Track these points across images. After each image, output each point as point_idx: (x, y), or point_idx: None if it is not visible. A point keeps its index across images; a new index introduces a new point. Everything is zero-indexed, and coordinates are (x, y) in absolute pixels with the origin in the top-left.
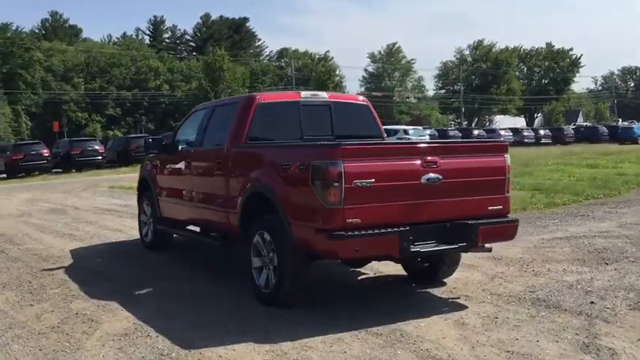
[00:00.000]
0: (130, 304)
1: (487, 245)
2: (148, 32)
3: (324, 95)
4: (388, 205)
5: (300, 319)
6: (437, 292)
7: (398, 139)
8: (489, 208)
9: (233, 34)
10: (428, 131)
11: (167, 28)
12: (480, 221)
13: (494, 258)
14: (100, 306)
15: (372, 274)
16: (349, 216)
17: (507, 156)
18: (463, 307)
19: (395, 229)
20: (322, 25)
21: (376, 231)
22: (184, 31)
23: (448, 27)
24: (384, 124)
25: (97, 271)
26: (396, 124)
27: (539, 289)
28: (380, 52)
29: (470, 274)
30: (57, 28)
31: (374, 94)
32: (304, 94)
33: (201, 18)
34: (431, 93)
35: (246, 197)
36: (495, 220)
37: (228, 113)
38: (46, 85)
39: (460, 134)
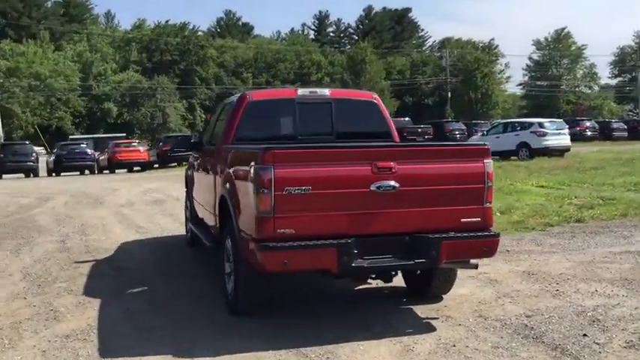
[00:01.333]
0: (109, 302)
1: (473, 261)
2: (313, 27)
3: (324, 92)
4: (329, 215)
5: (240, 331)
6: (421, 309)
7: (496, 135)
8: (463, 220)
9: (395, 26)
10: (588, 123)
11: (331, 22)
12: (442, 235)
13: (529, 273)
14: (81, 303)
15: (374, 285)
16: (281, 226)
17: (488, 161)
18: (429, 330)
19: (332, 242)
20: (488, 12)
21: (309, 243)
22: (348, 24)
23: (627, 8)
24: (546, 115)
25: (121, 267)
26: (559, 115)
27: (539, 314)
28: (546, 39)
29: (480, 290)
30: (230, 26)
31: (539, 83)
32: (302, 91)
33: (363, 10)
34: (604, 81)
35: (217, 200)
36: (465, 234)
37: (228, 111)
38: (219, 79)
39: (625, 126)
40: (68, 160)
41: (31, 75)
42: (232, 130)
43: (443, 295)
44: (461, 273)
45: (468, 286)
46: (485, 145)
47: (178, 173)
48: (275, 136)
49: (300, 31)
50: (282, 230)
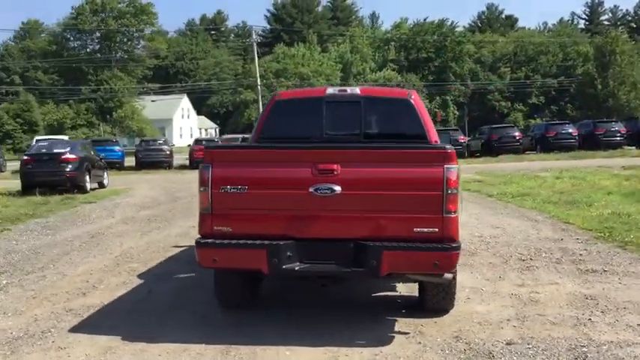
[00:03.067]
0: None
1: (446, 275)
2: (584, 16)
3: (354, 91)
4: (265, 216)
5: (199, 325)
6: (404, 322)
7: None
8: (416, 230)
9: None
10: None
11: (605, 10)
12: (383, 244)
13: (589, 297)
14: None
15: (392, 293)
16: (218, 223)
17: (450, 166)
18: (382, 344)
19: (263, 243)
20: None
21: (239, 242)
22: (626, 10)
23: None
24: None
25: (162, 272)
26: None
27: (524, 344)
28: None
29: (502, 310)
30: (492, 20)
31: None
32: (331, 89)
33: None
34: None
35: None
36: (409, 245)
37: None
38: (475, 75)
39: None
40: None
41: (296, 75)
42: (258, 129)
43: (449, 311)
44: (503, 288)
45: (494, 304)
46: (446, 148)
47: None
48: (299, 136)
49: (569, 21)
50: (219, 228)
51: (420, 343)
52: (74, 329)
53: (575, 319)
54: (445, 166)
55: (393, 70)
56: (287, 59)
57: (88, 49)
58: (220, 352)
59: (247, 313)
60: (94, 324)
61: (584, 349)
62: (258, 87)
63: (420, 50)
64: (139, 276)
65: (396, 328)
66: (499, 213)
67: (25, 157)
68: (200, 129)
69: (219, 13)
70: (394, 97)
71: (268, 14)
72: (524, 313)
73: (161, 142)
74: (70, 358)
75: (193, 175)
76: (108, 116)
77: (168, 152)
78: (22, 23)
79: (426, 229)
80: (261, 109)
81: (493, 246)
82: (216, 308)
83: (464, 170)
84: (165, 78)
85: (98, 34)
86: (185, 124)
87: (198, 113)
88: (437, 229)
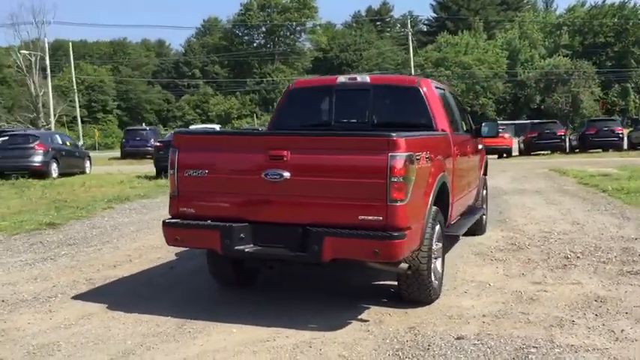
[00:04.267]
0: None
1: (402, 265)
2: None
3: (364, 78)
4: (222, 199)
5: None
6: (375, 311)
7: None
8: (361, 217)
9: None
10: None
11: None
12: (324, 230)
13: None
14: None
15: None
16: (182, 205)
17: (396, 154)
18: (331, 329)
19: (217, 224)
20: None
21: (198, 223)
22: None
23: None
24: None
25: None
26: None
27: (476, 340)
28: None
29: (487, 305)
30: None
31: None
32: (342, 78)
33: None
34: None
35: None
36: (351, 231)
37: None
38: None
39: None
40: None
41: (456, 64)
42: (274, 118)
43: (431, 303)
44: (514, 285)
45: (486, 299)
46: (391, 136)
47: (542, 161)
48: (310, 124)
49: None
50: (184, 209)
51: (368, 331)
52: (76, 297)
53: (557, 320)
54: (390, 154)
55: (565, 56)
56: (449, 48)
57: (254, 44)
58: (176, 325)
59: (237, 293)
60: (98, 293)
61: (532, 350)
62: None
63: (597, 35)
64: (177, 254)
65: (361, 316)
66: (595, 209)
67: (157, 144)
68: None
69: (384, 4)
70: (402, 85)
71: (434, 3)
72: (509, 310)
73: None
74: (51, 320)
75: None
76: (270, 107)
77: None
78: (203, 21)
79: (370, 217)
80: None
81: (550, 242)
82: (218, 287)
83: (601, 164)
84: (330, 69)
85: (264, 29)
86: None
87: None
88: (381, 218)
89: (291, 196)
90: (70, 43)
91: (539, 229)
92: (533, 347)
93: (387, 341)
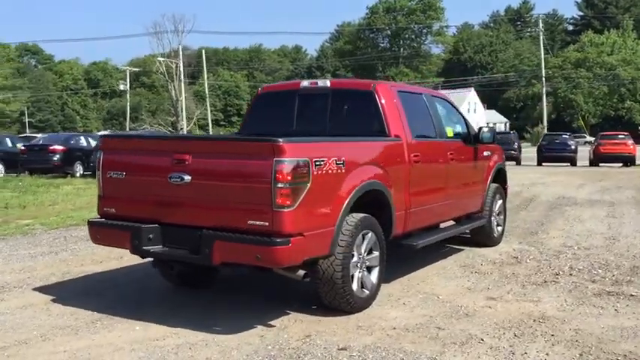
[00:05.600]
0: None
1: (299, 272)
2: None
3: (325, 83)
4: (137, 200)
5: (129, 298)
6: (292, 317)
7: None
8: (250, 222)
9: None
10: None
11: None
12: (215, 233)
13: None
14: None
15: None
16: (106, 205)
17: (281, 160)
18: (226, 332)
19: (128, 225)
20: None
21: (112, 223)
22: None
23: None
24: None
25: None
26: None
27: (356, 350)
28: None
29: (394, 316)
30: None
31: None
32: (305, 82)
33: None
34: None
35: None
36: (236, 236)
37: None
38: None
39: None
40: (549, 150)
41: (597, 65)
42: (242, 122)
43: (354, 311)
44: (464, 299)
45: (417, 311)
46: (276, 141)
47: None
48: (274, 130)
49: None
50: (107, 209)
51: (262, 336)
52: (36, 288)
53: (466, 337)
54: (275, 159)
55: None
56: (592, 48)
57: (379, 47)
58: (92, 319)
59: (182, 294)
60: (59, 286)
61: (402, 358)
62: (543, 79)
63: None
64: None
65: (272, 322)
66: None
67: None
68: (488, 123)
69: (524, 2)
70: (358, 89)
71: (579, 0)
72: (428, 324)
73: None
74: (1, 307)
75: None
76: None
77: None
78: (337, 26)
79: (258, 222)
80: (545, 103)
81: (559, 258)
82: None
83: None
84: (463, 72)
85: (389, 32)
86: (471, 119)
87: (494, 107)
88: (267, 223)
89: (192, 200)
90: (204, 51)
91: (562, 243)
92: (399, 356)
93: (269, 347)
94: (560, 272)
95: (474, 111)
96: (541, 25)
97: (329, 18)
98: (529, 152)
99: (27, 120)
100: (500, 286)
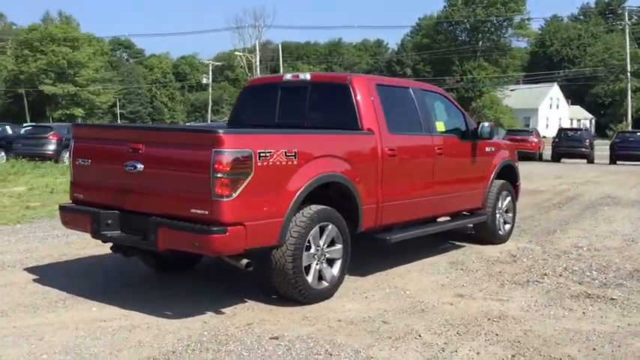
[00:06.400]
0: None
1: (243, 261)
2: None
3: (305, 76)
4: (100, 187)
5: (99, 281)
6: (245, 306)
7: None
8: (192, 210)
9: None
10: None
11: None
12: (161, 220)
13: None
14: None
15: None
16: (76, 191)
17: (220, 150)
18: (174, 317)
19: (89, 210)
20: None
21: (78, 208)
22: None
23: None
24: None
25: None
26: None
27: (285, 340)
28: None
29: (349, 309)
30: None
31: None
32: (287, 76)
33: None
34: None
35: None
36: (177, 223)
37: None
38: None
39: None
40: (622, 148)
41: None
42: (230, 114)
43: (306, 302)
44: (426, 295)
45: (373, 305)
46: (216, 132)
47: None
48: (261, 121)
49: None
50: (76, 195)
51: (205, 322)
52: (27, 268)
53: (405, 331)
54: (214, 149)
55: None
56: None
57: (457, 41)
58: (57, 299)
59: (157, 278)
60: (49, 267)
61: (320, 356)
62: (628, 73)
63: None
64: None
65: (224, 309)
66: None
67: None
68: (571, 119)
69: None
70: (334, 82)
71: None
72: (376, 318)
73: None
74: None
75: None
76: (468, 106)
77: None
78: (419, 19)
79: (199, 211)
80: (630, 99)
81: (560, 258)
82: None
83: None
84: (549, 66)
85: (467, 26)
86: (553, 115)
87: (580, 103)
88: (207, 212)
89: (145, 187)
90: (280, 45)
91: (574, 244)
92: (329, 353)
93: (205, 333)
94: (550, 272)
95: (556, 107)
96: (627, 17)
97: (412, 11)
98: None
99: (118, 111)
100: (477, 284)
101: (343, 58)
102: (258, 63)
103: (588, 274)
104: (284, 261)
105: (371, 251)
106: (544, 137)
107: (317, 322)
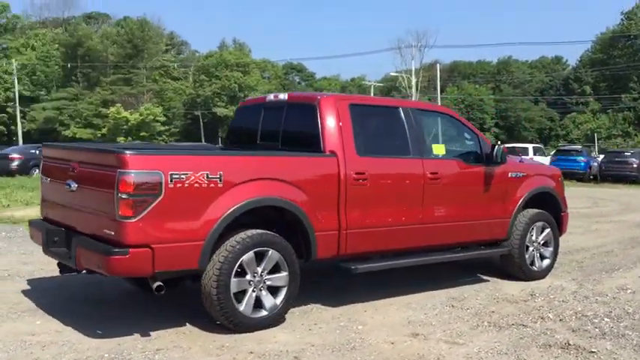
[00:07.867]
0: None
1: (155, 284)
2: None
3: (285, 96)
4: (53, 204)
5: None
6: (184, 331)
7: None
8: (105, 230)
9: None
10: None
11: None
12: (78, 239)
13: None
14: None
15: None
16: (43, 207)
17: (124, 171)
18: (111, 335)
19: (44, 226)
20: None
21: (38, 223)
22: None
23: None
24: None
25: None
26: None
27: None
28: None
29: (282, 341)
30: None
31: None
32: (271, 95)
33: None
34: None
35: None
36: (87, 243)
37: None
38: None
39: None
40: None
41: None
42: (226, 133)
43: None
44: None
45: (312, 338)
46: (122, 152)
47: None
48: (248, 141)
49: None
50: (44, 211)
51: (119, 345)
52: (29, 279)
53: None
54: (118, 170)
55: None
56: None
57: (637, 56)
58: (15, 311)
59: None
60: (35, 276)
61: None
62: None
63: None
64: None
65: (153, 332)
66: None
67: None
68: None
69: None
70: (304, 102)
71: None
72: (294, 352)
73: (629, 154)
74: None
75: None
76: None
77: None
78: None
79: (107, 231)
80: None
81: (583, 301)
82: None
83: None
84: None
85: None
86: None
87: None
88: (113, 233)
89: (78, 206)
90: (438, 66)
91: (620, 285)
92: None
93: (105, 356)
94: (551, 316)
95: None
96: None
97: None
98: None
99: None
100: (449, 324)
101: (513, 76)
102: (413, 83)
103: (596, 320)
104: (210, 286)
105: (373, 279)
106: None
107: (226, 353)
